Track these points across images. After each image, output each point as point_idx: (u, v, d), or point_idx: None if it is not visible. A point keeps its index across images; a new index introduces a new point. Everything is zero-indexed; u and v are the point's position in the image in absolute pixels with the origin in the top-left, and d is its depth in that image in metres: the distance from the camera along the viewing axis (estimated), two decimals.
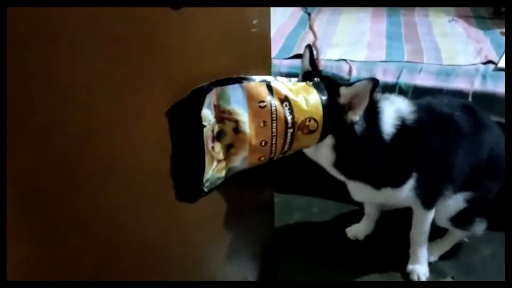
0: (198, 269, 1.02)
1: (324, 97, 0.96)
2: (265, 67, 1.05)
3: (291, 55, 1.76)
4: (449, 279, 1.42)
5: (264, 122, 0.88)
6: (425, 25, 2.07)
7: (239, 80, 0.85)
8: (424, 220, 1.35)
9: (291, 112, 0.90)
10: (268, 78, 0.91)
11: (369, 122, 1.08)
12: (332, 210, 1.72)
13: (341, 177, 1.22)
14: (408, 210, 1.39)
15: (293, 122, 0.91)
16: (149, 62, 0.71)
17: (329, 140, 1.05)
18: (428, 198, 1.27)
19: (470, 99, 1.49)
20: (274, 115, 0.88)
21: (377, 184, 1.20)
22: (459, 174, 1.25)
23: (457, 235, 1.47)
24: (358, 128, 1.07)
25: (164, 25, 0.72)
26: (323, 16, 2.27)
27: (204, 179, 0.85)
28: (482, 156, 1.26)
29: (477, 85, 1.50)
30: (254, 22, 0.93)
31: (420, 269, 1.41)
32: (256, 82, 0.88)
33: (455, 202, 1.31)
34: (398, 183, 1.20)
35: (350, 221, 1.63)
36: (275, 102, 0.88)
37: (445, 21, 2.10)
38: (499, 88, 1.47)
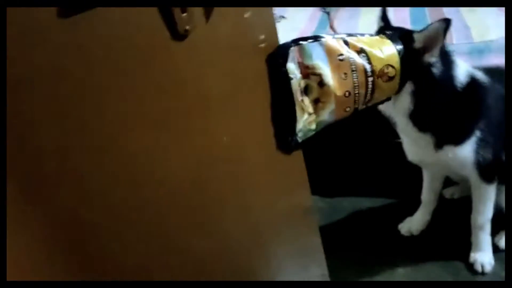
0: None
1: (399, 46, 1.02)
2: None
3: None
4: None
5: (345, 73, 0.95)
6: None
7: (316, 38, 0.93)
8: (484, 197, 1.29)
9: (369, 62, 0.98)
10: (343, 35, 0.98)
11: (445, 65, 1.15)
12: (382, 208, 1.69)
13: (410, 130, 1.23)
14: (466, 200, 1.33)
15: (372, 70, 0.98)
16: (149, 93, 0.70)
17: (408, 88, 1.12)
18: (487, 167, 1.24)
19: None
20: (353, 66, 0.95)
21: (442, 138, 1.21)
22: None
23: None
24: (435, 71, 1.13)
25: (164, 52, 0.72)
26: (343, 12, 2.24)
27: (297, 129, 0.94)
28: None
29: None
30: (261, 37, 0.94)
31: (484, 258, 1.35)
32: (332, 39, 0.96)
33: None
34: (460, 138, 1.20)
35: (402, 217, 1.59)
36: (353, 54, 0.95)
37: None
38: None
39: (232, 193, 0.93)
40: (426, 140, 1.23)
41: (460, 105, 1.19)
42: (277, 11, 2.24)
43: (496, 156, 1.23)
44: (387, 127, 1.74)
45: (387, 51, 1.01)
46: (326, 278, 1.29)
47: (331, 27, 2.04)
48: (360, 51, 0.97)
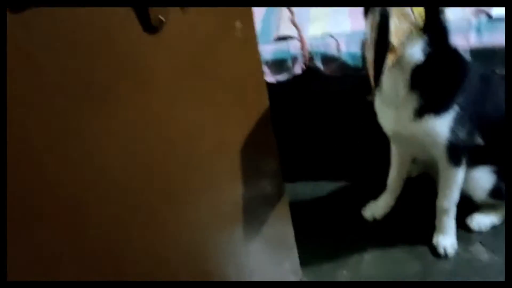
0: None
1: None
2: (257, 73, 1.01)
3: (273, 38, 1.65)
4: (477, 245, 1.39)
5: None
6: None
7: None
8: (451, 181, 1.28)
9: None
10: None
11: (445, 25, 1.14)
12: (344, 192, 1.67)
13: (401, 88, 1.17)
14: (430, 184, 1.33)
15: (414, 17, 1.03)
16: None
17: (423, 39, 1.09)
18: (457, 148, 1.22)
19: (468, 56, 1.41)
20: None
21: (426, 102, 1.17)
22: (486, 129, 1.23)
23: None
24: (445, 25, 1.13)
25: (138, 51, 0.69)
26: None
27: None
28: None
29: (473, 41, 1.42)
30: (237, 25, 0.86)
31: (447, 241, 1.37)
32: None
33: (484, 174, 1.30)
34: (441, 108, 1.17)
35: (364, 200, 1.57)
36: None
37: None
38: (497, 40, 1.39)
39: (196, 181, 0.89)
40: (409, 104, 1.18)
41: (449, 69, 1.17)
42: None
43: (467, 138, 1.21)
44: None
45: None
46: (299, 273, 1.25)
47: None
48: None
